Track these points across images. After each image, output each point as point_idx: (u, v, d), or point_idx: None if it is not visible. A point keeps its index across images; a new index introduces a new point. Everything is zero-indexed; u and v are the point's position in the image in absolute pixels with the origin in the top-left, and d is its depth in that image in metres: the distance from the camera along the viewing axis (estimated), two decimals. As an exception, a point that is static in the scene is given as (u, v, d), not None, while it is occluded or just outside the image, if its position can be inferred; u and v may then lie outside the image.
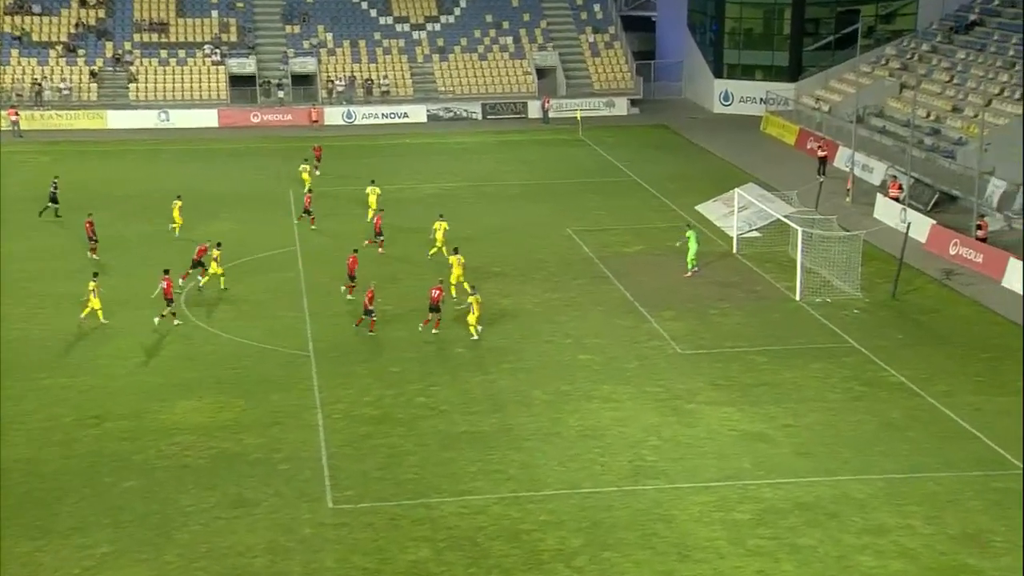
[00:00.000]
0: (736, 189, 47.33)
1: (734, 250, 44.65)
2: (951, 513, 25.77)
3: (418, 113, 72.09)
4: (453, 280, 38.65)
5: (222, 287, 39.99)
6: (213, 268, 40.27)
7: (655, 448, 28.74)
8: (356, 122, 71.28)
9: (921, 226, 45.68)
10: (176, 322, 37.02)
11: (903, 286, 40.38)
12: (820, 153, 56.82)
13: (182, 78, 71.97)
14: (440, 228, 42.81)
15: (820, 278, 40.43)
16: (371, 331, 35.60)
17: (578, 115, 69.38)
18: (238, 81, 72.24)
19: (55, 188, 49.82)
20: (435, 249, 42.59)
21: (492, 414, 30.72)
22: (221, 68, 72.61)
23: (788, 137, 65.27)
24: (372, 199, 48.25)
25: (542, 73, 75.09)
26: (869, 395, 31.99)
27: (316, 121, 70.31)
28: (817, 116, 64.16)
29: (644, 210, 51.29)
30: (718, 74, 75.02)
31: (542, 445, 28.92)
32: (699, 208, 50.74)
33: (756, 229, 46.52)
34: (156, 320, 36.78)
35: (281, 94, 71.86)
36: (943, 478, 27.24)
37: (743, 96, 73.66)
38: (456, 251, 39.60)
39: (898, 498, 26.38)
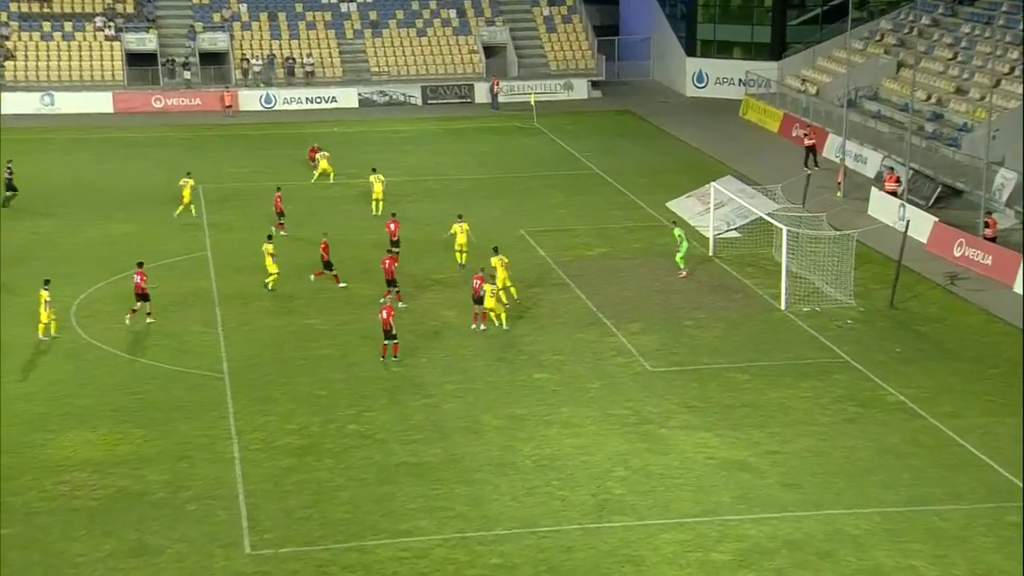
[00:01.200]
0: (712, 183, 47.65)
1: (710, 253, 44.94)
2: (958, 551, 26.02)
3: (348, 97, 71.88)
4: (499, 284, 39.01)
5: (270, 287, 40.67)
6: (269, 265, 40.68)
7: (622, 480, 28.81)
8: (276, 108, 70.90)
9: (922, 224, 46.22)
10: (149, 320, 37.80)
11: (902, 292, 40.82)
12: (807, 142, 57.34)
13: (69, 56, 71.22)
14: (463, 230, 42.74)
15: (808, 284, 40.76)
16: (395, 355, 35.28)
17: (532, 99, 69.52)
18: (136, 60, 71.58)
19: (10, 174, 50.23)
20: (461, 255, 42.75)
21: (436, 443, 30.66)
22: (116, 44, 71.93)
23: (771, 123, 65.85)
24: (378, 188, 49.03)
25: (491, 51, 75.16)
26: (865, 417, 32.28)
27: (229, 107, 69.88)
28: (803, 99, 64.76)
29: (608, 208, 51.45)
30: (691, 52, 75.49)
31: (493, 477, 28.90)
32: (671, 205, 50.99)
33: (735, 229, 46.82)
34: (127, 318, 37.88)
35: (187, 75, 71.35)
36: (949, 511, 27.50)
37: (719, 77, 74.16)
38: (496, 251, 39.90)
39: (898, 535, 26.61)
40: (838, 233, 42.36)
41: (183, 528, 26.73)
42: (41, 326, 36.58)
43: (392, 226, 43.56)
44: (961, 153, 52.88)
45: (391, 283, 39.16)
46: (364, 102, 71.94)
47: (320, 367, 35.24)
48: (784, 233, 40.48)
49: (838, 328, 38.22)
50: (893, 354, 36.32)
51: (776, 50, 72.51)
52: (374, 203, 49.39)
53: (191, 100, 70.42)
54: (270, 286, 40.73)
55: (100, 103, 69.26)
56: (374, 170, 50.54)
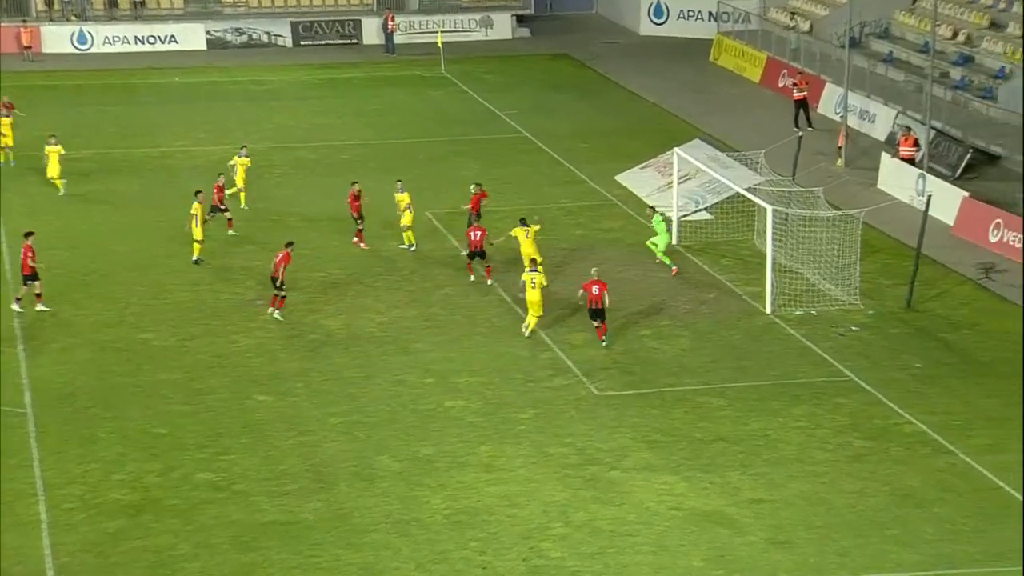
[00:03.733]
0: (676, 149, 47.90)
1: (674, 240, 45.22)
2: (998, 624, 26.48)
3: (192, 37, 71.46)
4: (526, 257, 40.52)
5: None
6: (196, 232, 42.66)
7: (561, 539, 28.92)
8: (93, 50, 70.30)
9: (947, 201, 46.76)
10: (40, 307, 39.46)
11: (923, 290, 41.32)
12: (798, 94, 57.88)
13: None
14: (404, 202, 43.72)
15: (801, 280, 41.13)
16: (602, 339, 37.26)
17: (439, 40, 69.51)
18: None
19: None
20: (409, 236, 43.73)
21: (315, 494, 30.60)
22: None
23: (751, 71, 66.36)
24: (241, 173, 47.87)
25: (383, -24, 75.10)
26: (876, 453, 32.62)
27: (29, 48, 69.20)
28: (793, 39, 65.34)
29: (541, 182, 51.61)
30: (646, -23, 75.89)
31: (392, 539, 28.91)
32: (621, 178, 51.23)
33: (705, 208, 47.14)
34: (14, 306, 39.36)
35: (-25, 7, 70.56)
36: (987, 575, 27.87)
37: (683, 10, 74.64)
38: (523, 222, 41.53)
39: (922, 604, 27.04)
40: (839, 213, 42.78)
41: (-25, 614, 26.47)
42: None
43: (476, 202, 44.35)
44: (997, 107, 53.58)
45: (275, 281, 39.04)
46: (214, 43, 71.49)
47: (159, 397, 35.00)
48: (769, 214, 40.81)
49: (840, 337, 38.61)
50: (912, 370, 36.73)
51: (757, -26, 73.11)
52: (242, 195, 47.62)
53: (-23, 40, 69.64)
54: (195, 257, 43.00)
55: None
56: (244, 147, 49.07)
